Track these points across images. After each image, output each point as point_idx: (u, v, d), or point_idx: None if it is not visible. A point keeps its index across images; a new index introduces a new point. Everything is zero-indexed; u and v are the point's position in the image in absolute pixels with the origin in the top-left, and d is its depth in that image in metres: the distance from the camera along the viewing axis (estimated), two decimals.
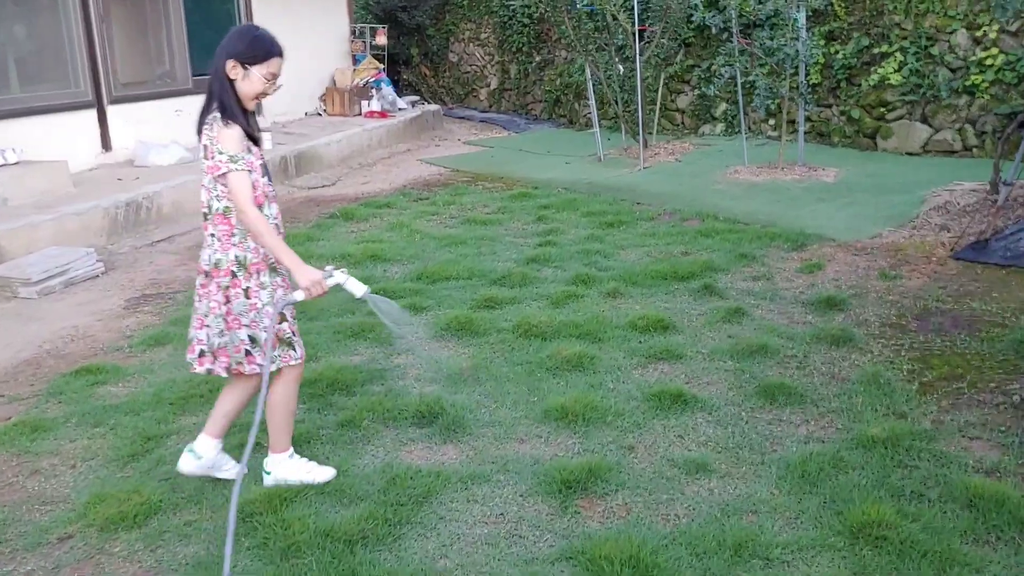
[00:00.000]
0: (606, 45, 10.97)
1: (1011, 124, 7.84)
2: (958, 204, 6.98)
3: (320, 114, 13.32)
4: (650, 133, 11.15)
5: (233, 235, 3.23)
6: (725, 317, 5.16)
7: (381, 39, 14.41)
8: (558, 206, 8.36)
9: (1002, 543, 3.00)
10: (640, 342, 4.87)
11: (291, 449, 3.54)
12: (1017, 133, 7.40)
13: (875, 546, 2.98)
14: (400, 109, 13.94)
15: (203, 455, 3.49)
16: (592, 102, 10.76)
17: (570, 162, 10.84)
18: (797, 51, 8.60)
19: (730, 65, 9.30)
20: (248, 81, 3.21)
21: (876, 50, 9.97)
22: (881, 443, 3.64)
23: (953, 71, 9.38)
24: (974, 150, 9.29)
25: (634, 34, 10.11)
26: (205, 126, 3.19)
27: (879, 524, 3.05)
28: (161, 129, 9.95)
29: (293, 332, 3.40)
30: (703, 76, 11.72)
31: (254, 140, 3.28)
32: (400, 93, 15.67)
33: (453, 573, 2.96)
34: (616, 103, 11.11)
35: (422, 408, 4.08)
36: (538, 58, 14.92)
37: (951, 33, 9.40)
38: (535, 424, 3.98)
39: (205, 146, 3.17)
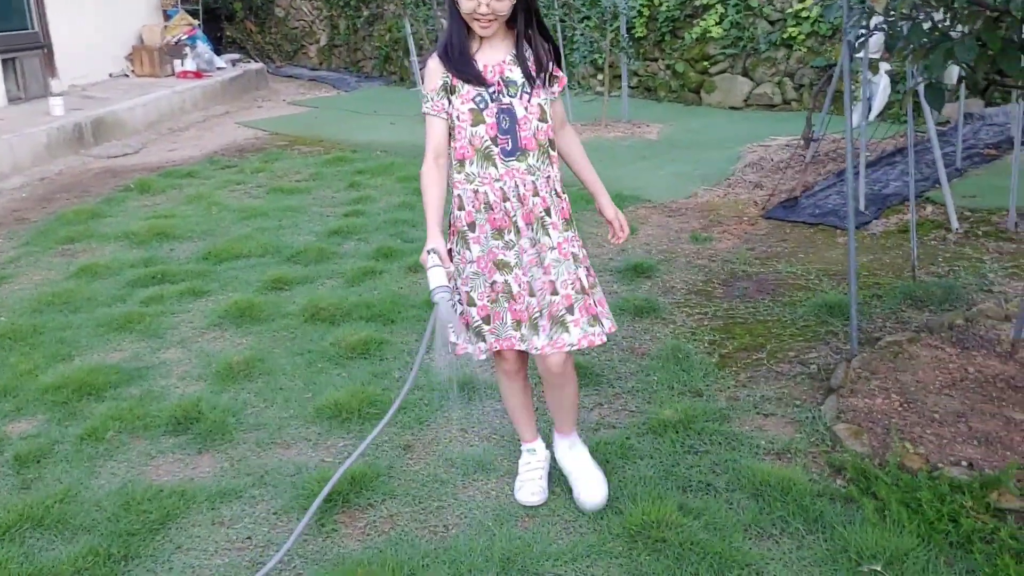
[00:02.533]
0: None
1: (823, 77, 7.83)
2: (772, 160, 6.90)
3: (127, 75, 12.34)
4: None
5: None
6: None
7: None
8: (374, 171, 7.90)
9: (786, 536, 2.80)
10: None
11: (529, 443, 3.15)
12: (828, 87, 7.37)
13: (654, 550, 2.73)
14: (219, 68, 13.07)
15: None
16: (414, 59, 10.29)
17: (395, 123, 10.38)
18: (615, 3, 8.35)
19: (546, 17, 8.98)
20: None
21: (698, 2, 9.84)
22: (673, 427, 3.41)
23: (772, 23, 9.35)
24: (793, 103, 9.32)
25: None
26: None
27: (659, 524, 2.81)
28: None
29: (485, 318, 2.80)
30: None
31: (471, 78, 2.62)
32: (222, 51, 14.76)
33: None
34: None
35: (178, 413, 3.62)
36: (367, 12, 14.29)
37: None
38: (305, 425, 3.58)
39: None
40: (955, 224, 5.27)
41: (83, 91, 11.04)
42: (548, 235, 2.68)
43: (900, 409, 3.42)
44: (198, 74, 12.35)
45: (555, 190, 2.71)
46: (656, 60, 10.36)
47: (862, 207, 5.70)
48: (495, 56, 2.63)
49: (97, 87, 11.46)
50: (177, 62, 12.40)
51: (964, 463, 3.04)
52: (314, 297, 4.78)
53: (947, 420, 3.31)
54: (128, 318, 4.64)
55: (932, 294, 4.40)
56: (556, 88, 2.71)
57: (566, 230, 2.72)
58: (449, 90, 2.63)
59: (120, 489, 3.16)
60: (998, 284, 4.55)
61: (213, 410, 3.66)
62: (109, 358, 4.23)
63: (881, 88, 6.23)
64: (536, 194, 2.65)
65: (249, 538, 2.90)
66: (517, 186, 2.65)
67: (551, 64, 2.68)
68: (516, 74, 2.62)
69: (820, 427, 3.38)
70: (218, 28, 15.76)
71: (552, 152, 2.70)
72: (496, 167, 2.65)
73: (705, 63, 9.85)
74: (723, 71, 9.75)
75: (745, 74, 9.61)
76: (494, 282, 2.73)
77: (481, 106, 2.62)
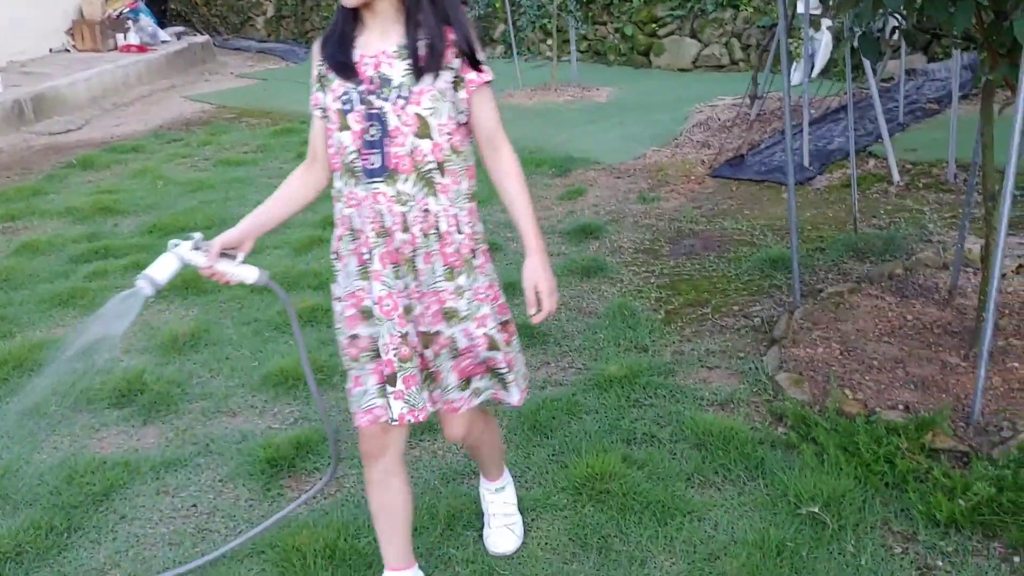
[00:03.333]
0: None
1: (768, 36, 7.87)
2: (719, 119, 6.94)
3: (68, 50, 12.07)
4: None
5: None
6: None
7: None
8: None
9: (728, 483, 2.85)
10: None
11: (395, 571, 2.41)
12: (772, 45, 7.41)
13: (598, 500, 2.76)
14: (163, 42, 12.83)
15: None
16: None
17: None
18: None
19: None
20: None
21: None
22: (618, 382, 3.45)
23: None
24: (740, 64, 9.36)
25: None
26: None
27: (603, 476, 2.84)
28: None
29: (382, 368, 2.16)
30: None
31: (338, 68, 2.06)
32: (167, 24, 14.49)
33: None
34: None
35: (122, 386, 3.59)
36: None
37: None
38: (252, 393, 3.57)
39: None
40: (896, 177, 5.35)
41: (22, 67, 10.78)
42: (417, 280, 2.12)
43: (840, 357, 3.47)
44: (142, 48, 12.12)
45: (437, 230, 2.09)
46: (605, 24, 10.34)
47: (806, 163, 5.76)
48: (378, 44, 2.03)
49: (37, 63, 11.19)
50: (120, 36, 12.15)
51: (901, 407, 3.10)
52: (261, 266, 4.73)
53: (885, 366, 3.37)
54: (71, 293, 4.57)
55: (873, 245, 4.46)
56: (463, 94, 2.06)
57: (447, 279, 2.13)
58: (323, 81, 2.09)
59: (63, 462, 3.13)
60: (937, 234, 4.62)
61: (158, 381, 3.63)
62: (52, 334, 4.17)
63: (823, 45, 6.27)
64: (406, 230, 2.06)
65: (195, 506, 2.89)
66: (382, 215, 2.06)
67: (456, 59, 2.03)
68: (396, 70, 2.01)
69: (762, 377, 3.43)
70: (162, 1, 15.46)
71: (442, 180, 2.07)
72: (359, 187, 2.07)
73: (653, 25, 9.86)
74: (671, 33, 9.77)
75: (693, 36, 9.64)
76: (355, 335, 2.19)
77: (347, 107, 2.04)
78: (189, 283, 4.60)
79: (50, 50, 11.97)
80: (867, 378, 3.31)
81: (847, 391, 3.21)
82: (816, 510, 2.62)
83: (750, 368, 3.52)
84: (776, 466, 2.87)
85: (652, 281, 4.40)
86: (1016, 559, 2.43)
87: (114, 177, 7.06)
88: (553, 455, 3.04)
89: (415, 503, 2.42)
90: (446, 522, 2.70)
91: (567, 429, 3.18)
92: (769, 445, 3.00)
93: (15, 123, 8.96)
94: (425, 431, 3.22)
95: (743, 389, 3.37)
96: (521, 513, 2.71)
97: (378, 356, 2.15)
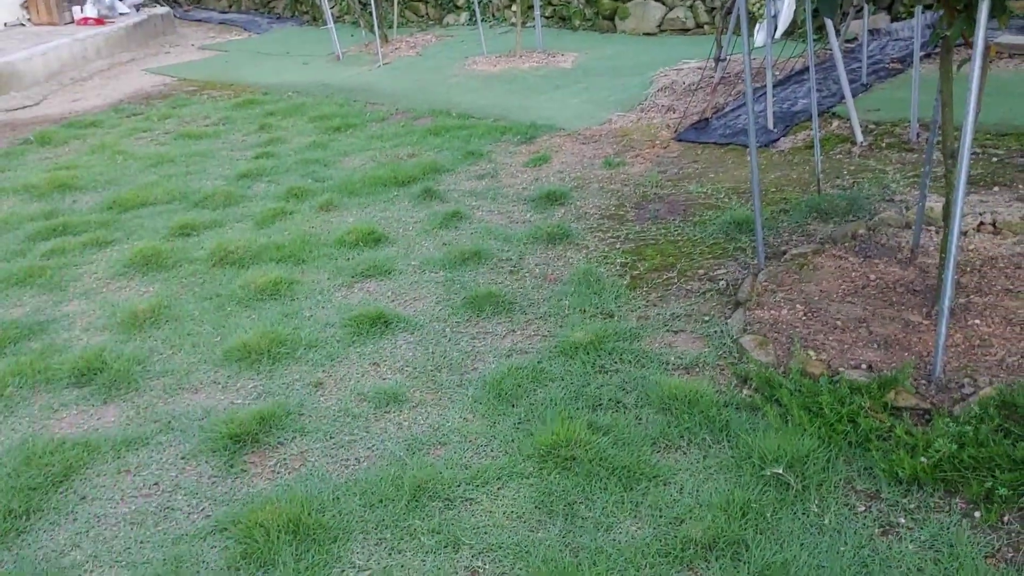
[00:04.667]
0: None
1: None
2: (684, 83, 6.90)
3: (23, 24, 11.82)
4: (391, 27, 10.56)
5: None
6: (443, 222, 4.82)
7: None
8: (284, 112, 7.72)
9: (693, 446, 2.85)
10: (348, 259, 4.46)
11: None
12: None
13: (564, 468, 2.75)
14: (121, 14, 12.61)
15: None
16: None
17: (308, 63, 10.15)
18: None
19: None
20: None
21: None
22: (584, 348, 3.43)
23: None
24: (705, 27, 9.31)
25: None
26: None
27: (568, 443, 2.83)
28: None
29: None
30: None
31: None
32: None
33: (83, 567, 2.51)
34: None
35: (81, 365, 3.53)
36: None
37: None
38: (214, 368, 3.52)
39: None
40: (859, 137, 5.34)
41: None
42: None
43: (804, 318, 3.47)
44: (100, 21, 11.90)
45: None
46: None
47: (770, 125, 5.74)
48: None
49: None
50: (76, 9, 11.92)
51: (864, 366, 3.11)
52: (222, 241, 4.68)
53: (849, 326, 3.38)
54: (29, 272, 4.49)
55: (837, 206, 4.46)
56: None
57: None
58: None
59: (21, 444, 3.08)
60: (900, 193, 4.62)
61: (118, 359, 3.57)
62: (8, 314, 4.10)
63: (786, 5, 6.22)
64: None
65: (156, 484, 2.86)
66: None
67: None
68: None
69: (727, 340, 3.42)
70: None
71: None
72: None
73: None
74: None
75: None
76: None
77: None
78: (149, 259, 4.53)
79: (4, 24, 11.71)
80: (831, 338, 3.31)
81: (811, 352, 3.21)
82: (780, 471, 2.63)
83: (715, 331, 3.51)
84: (741, 428, 2.87)
85: (618, 247, 4.38)
86: (977, 514, 2.45)
87: (72, 153, 6.93)
88: (519, 423, 3.02)
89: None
90: (411, 493, 2.68)
91: (533, 397, 3.16)
92: (734, 408, 3.00)
93: None
94: (391, 403, 3.20)
95: (708, 352, 3.37)
96: (485, 484, 2.70)
97: None
